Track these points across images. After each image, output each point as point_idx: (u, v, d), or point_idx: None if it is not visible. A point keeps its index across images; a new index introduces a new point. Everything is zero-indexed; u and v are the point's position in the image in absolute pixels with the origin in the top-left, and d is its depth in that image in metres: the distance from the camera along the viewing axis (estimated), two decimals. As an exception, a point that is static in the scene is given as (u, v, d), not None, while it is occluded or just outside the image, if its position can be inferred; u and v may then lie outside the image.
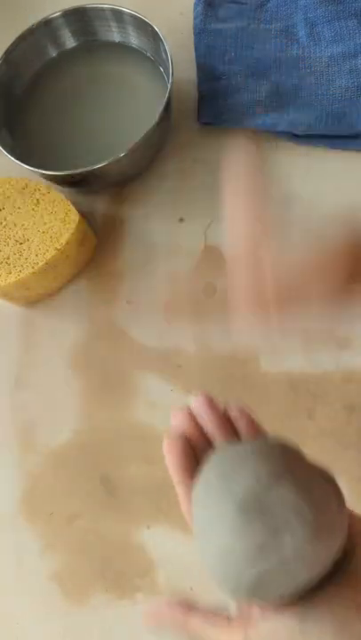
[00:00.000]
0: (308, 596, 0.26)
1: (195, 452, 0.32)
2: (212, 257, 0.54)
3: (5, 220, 0.52)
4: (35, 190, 0.52)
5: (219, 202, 0.56)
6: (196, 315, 0.52)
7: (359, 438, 0.47)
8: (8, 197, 0.52)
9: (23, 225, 0.51)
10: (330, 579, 0.27)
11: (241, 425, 0.33)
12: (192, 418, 0.33)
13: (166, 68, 0.53)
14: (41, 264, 0.50)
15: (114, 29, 0.58)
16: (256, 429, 0.33)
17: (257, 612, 0.28)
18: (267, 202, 0.30)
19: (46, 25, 0.57)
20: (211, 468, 0.29)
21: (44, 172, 0.51)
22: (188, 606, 0.30)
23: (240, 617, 0.28)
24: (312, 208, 0.54)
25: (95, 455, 0.50)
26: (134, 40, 0.58)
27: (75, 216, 0.51)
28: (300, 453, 0.29)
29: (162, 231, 0.55)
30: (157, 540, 0.47)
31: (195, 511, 0.28)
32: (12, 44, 0.56)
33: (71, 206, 0.51)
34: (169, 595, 0.45)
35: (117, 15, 0.56)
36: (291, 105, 0.55)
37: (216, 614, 0.29)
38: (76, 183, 0.54)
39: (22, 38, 0.56)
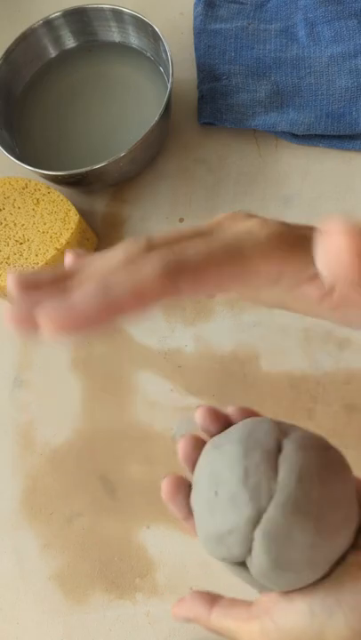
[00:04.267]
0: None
1: None
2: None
3: (5, 220, 0.52)
4: (35, 190, 0.52)
5: (219, 202, 0.56)
6: (196, 315, 0.52)
7: (359, 438, 0.47)
8: (8, 197, 0.52)
9: (23, 225, 0.51)
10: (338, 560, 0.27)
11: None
12: (196, 440, 0.31)
13: (166, 68, 0.53)
14: (41, 264, 0.50)
15: (114, 29, 0.58)
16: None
17: (273, 600, 0.27)
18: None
19: (46, 25, 0.57)
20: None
21: (44, 171, 0.51)
22: (212, 599, 0.29)
23: (258, 606, 0.28)
24: (312, 208, 0.54)
25: (95, 455, 0.50)
26: (134, 40, 0.58)
27: (75, 216, 0.51)
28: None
29: (162, 231, 0.55)
30: (157, 540, 0.47)
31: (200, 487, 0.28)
32: (12, 44, 0.56)
33: (71, 206, 0.51)
34: (168, 595, 0.45)
35: (117, 15, 0.56)
36: (291, 105, 0.55)
37: (235, 604, 0.29)
38: (76, 183, 0.54)
39: (22, 38, 0.56)
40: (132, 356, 0.52)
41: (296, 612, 0.26)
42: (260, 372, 0.50)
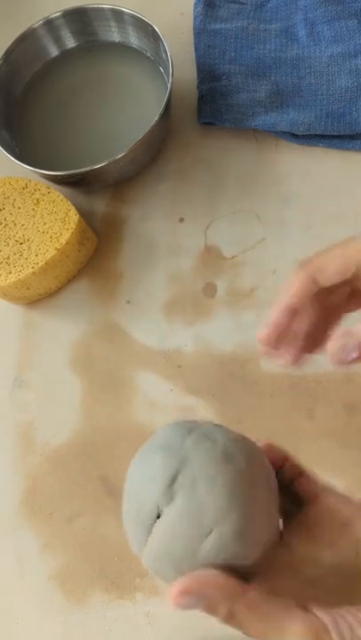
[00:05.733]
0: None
1: None
2: (212, 257, 0.54)
3: (5, 220, 0.52)
4: (35, 190, 0.52)
5: (219, 202, 0.56)
6: (197, 315, 0.52)
7: (359, 438, 0.47)
8: (8, 197, 0.52)
9: (23, 225, 0.51)
10: None
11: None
12: None
13: (166, 68, 0.53)
14: (41, 264, 0.50)
15: (114, 29, 0.58)
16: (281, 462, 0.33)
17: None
18: None
19: (46, 25, 0.57)
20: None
21: (44, 171, 0.51)
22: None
23: None
24: (312, 208, 0.54)
25: (95, 455, 0.50)
26: (134, 40, 0.58)
27: (75, 216, 0.51)
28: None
29: (162, 231, 0.55)
30: (157, 540, 0.47)
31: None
32: (12, 44, 0.56)
33: (71, 206, 0.51)
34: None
35: (117, 15, 0.56)
36: (291, 105, 0.55)
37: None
38: (76, 183, 0.54)
39: (22, 38, 0.56)
40: (132, 355, 0.52)
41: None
42: (260, 371, 0.50)
